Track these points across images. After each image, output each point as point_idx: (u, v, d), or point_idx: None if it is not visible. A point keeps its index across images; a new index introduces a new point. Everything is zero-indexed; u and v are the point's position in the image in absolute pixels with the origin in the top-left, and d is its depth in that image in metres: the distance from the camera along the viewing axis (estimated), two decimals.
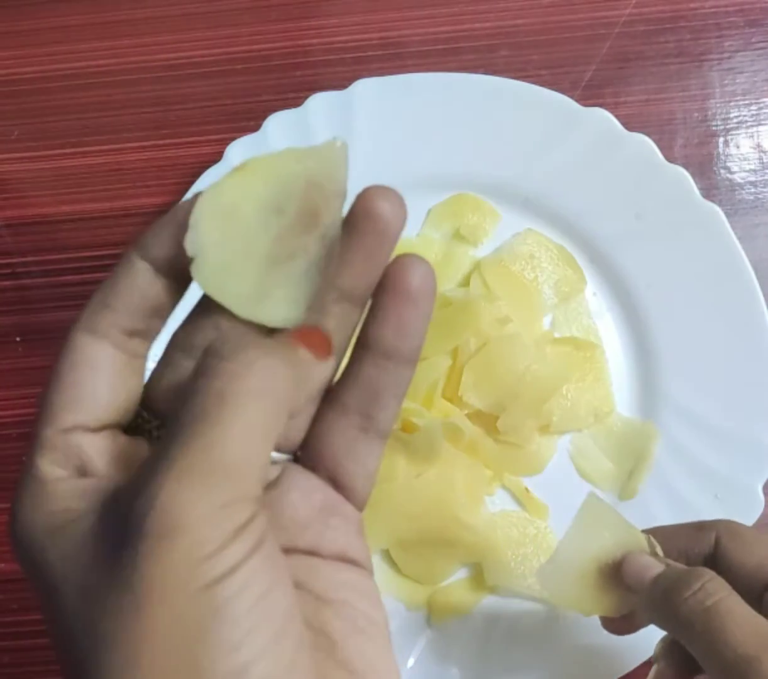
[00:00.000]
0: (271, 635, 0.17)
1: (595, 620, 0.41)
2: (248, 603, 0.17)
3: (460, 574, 0.43)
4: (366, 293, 0.22)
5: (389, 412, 0.22)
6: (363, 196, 0.21)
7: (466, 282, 0.44)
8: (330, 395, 0.23)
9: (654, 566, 0.30)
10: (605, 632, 0.41)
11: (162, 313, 0.21)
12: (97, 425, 0.20)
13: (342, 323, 0.22)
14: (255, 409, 0.18)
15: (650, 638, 0.40)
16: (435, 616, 0.42)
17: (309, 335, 0.20)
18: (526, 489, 0.43)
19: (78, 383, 0.20)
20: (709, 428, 0.42)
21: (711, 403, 0.42)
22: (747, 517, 0.40)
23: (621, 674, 0.40)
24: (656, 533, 0.32)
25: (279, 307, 0.20)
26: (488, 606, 0.42)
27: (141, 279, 0.20)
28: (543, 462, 0.43)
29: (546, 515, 0.43)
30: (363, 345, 0.22)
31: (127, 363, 0.21)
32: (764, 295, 0.42)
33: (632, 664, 0.40)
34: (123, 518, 0.17)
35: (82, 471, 0.20)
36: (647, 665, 0.40)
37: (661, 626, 0.30)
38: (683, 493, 0.41)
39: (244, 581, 0.17)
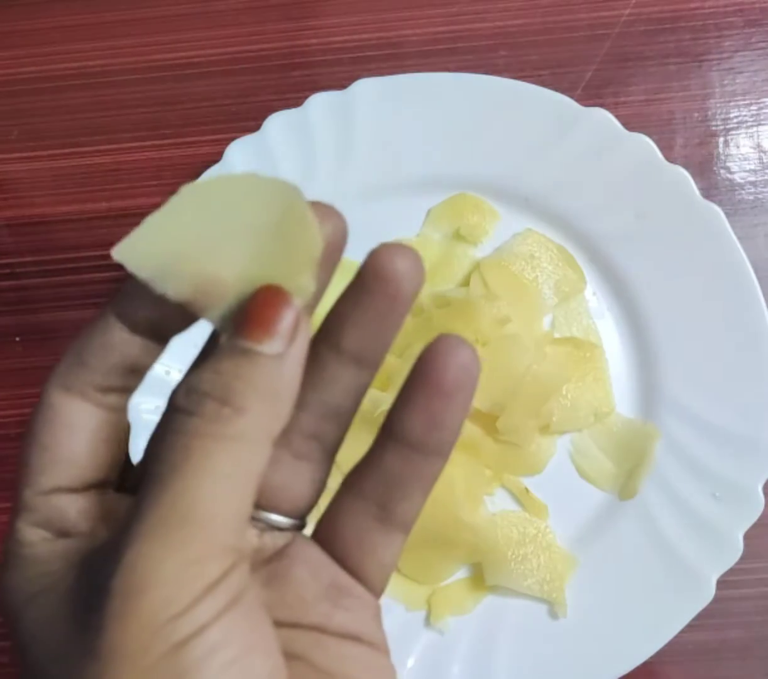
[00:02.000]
0: None
1: (595, 620, 0.41)
2: (219, 666, 0.16)
3: (460, 574, 0.43)
4: (378, 357, 0.20)
5: (412, 505, 0.21)
6: (376, 255, 0.19)
7: (466, 282, 0.44)
8: (349, 479, 0.21)
9: None
10: (605, 632, 0.41)
11: (140, 371, 0.20)
12: (79, 485, 0.19)
13: (349, 387, 0.21)
14: (225, 456, 0.17)
15: (650, 638, 0.40)
16: (435, 616, 0.42)
17: (266, 306, 0.18)
18: (526, 489, 0.43)
19: (54, 443, 0.19)
20: (709, 428, 0.42)
21: (711, 403, 0.42)
22: (747, 517, 0.40)
23: (621, 674, 0.40)
24: None
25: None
26: (488, 606, 0.42)
27: (117, 338, 0.19)
28: (543, 462, 0.43)
29: (546, 515, 0.43)
30: (388, 432, 0.20)
31: (106, 419, 0.20)
32: (764, 295, 0.42)
33: (632, 664, 0.40)
34: (95, 578, 0.17)
35: (64, 532, 0.19)
36: (647, 665, 0.40)
37: None
38: (683, 493, 0.41)
39: (215, 642, 0.16)
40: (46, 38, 0.49)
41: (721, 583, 0.40)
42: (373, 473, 0.21)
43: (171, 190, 0.46)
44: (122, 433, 0.20)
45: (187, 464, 0.17)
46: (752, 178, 0.46)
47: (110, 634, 0.16)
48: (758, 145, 0.47)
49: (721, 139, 0.47)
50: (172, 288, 0.19)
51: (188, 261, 0.19)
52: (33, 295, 0.47)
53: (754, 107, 0.47)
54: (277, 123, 0.44)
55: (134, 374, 0.20)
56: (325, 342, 0.20)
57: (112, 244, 0.50)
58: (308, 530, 0.22)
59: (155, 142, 0.48)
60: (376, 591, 0.21)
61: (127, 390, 0.20)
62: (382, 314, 0.20)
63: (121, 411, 0.20)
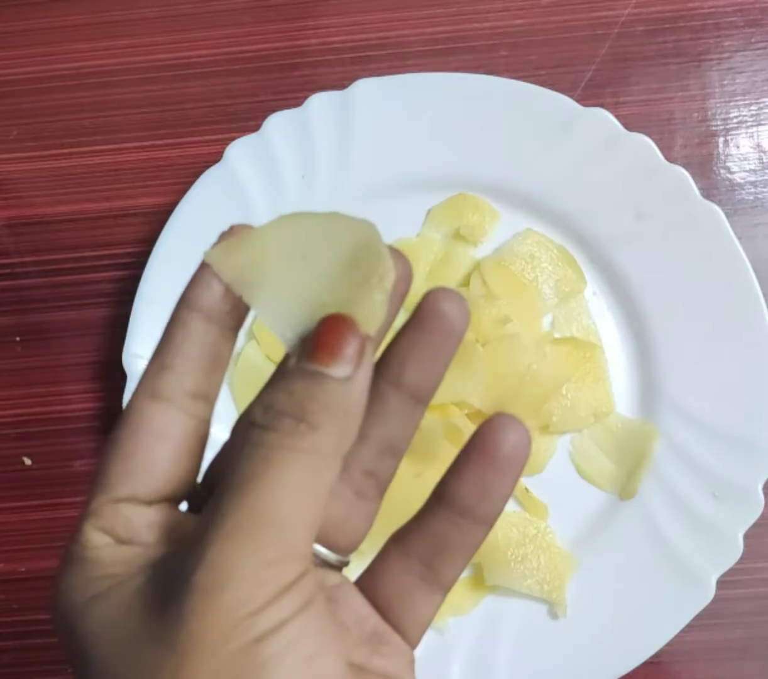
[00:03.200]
0: None
1: (595, 620, 0.41)
2: (294, 662, 0.17)
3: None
4: (431, 392, 0.22)
5: (455, 569, 0.22)
6: (429, 298, 0.21)
7: (466, 282, 0.44)
8: (398, 535, 0.22)
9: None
10: (605, 632, 0.41)
11: (221, 366, 0.21)
12: (152, 498, 0.20)
13: (406, 422, 0.22)
14: (300, 467, 0.18)
15: (650, 638, 0.40)
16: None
17: (334, 333, 0.19)
18: (526, 489, 0.43)
19: (137, 452, 0.19)
20: (709, 428, 0.42)
21: (711, 403, 0.42)
22: (747, 517, 0.40)
23: (621, 674, 0.40)
24: None
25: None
26: (488, 606, 0.42)
27: (194, 330, 0.20)
28: (543, 462, 0.43)
29: (546, 515, 0.43)
30: (439, 496, 0.22)
31: (194, 430, 0.20)
32: (764, 295, 0.42)
33: (632, 664, 0.40)
34: (173, 578, 0.18)
35: (128, 541, 0.20)
36: (647, 665, 0.40)
37: None
38: (683, 493, 0.41)
39: (291, 639, 0.17)
40: (46, 38, 0.49)
41: (721, 583, 0.40)
42: (422, 534, 0.22)
43: (171, 190, 0.46)
44: (203, 447, 0.21)
45: (266, 473, 0.18)
46: (752, 178, 0.46)
47: (191, 626, 0.17)
48: (758, 145, 0.47)
49: (721, 139, 0.47)
50: (249, 299, 0.20)
51: (269, 278, 0.20)
52: (33, 295, 0.47)
53: (754, 107, 0.47)
54: (277, 123, 0.44)
55: (217, 370, 0.21)
56: (384, 378, 0.22)
57: (112, 244, 0.50)
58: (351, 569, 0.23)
59: (155, 142, 0.48)
60: (412, 643, 0.22)
61: (212, 395, 0.21)
62: (438, 350, 0.22)
63: (206, 423, 0.21)
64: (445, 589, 0.22)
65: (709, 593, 0.40)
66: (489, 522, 0.22)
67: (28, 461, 0.46)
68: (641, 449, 0.42)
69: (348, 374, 0.19)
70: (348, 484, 0.23)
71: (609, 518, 0.42)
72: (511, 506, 0.43)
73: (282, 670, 0.17)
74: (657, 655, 0.40)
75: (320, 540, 0.22)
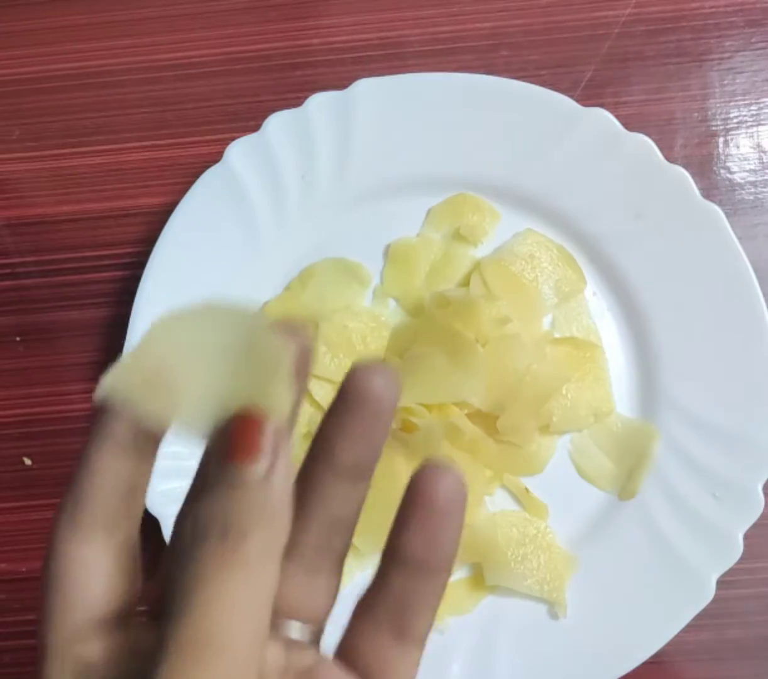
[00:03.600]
0: None
1: (595, 620, 0.41)
2: None
3: (460, 574, 0.43)
4: (371, 466, 0.22)
5: (424, 621, 0.22)
6: (353, 375, 0.21)
7: (466, 282, 0.44)
8: (362, 602, 0.22)
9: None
10: (605, 632, 0.41)
11: (140, 488, 0.21)
12: (102, 621, 0.20)
13: (350, 499, 0.22)
14: (234, 582, 0.18)
15: (650, 638, 0.40)
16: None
17: (242, 433, 0.19)
18: (526, 489, 0.43)
19: (71, 586, 0.19)
20: (709, 428, 0.42)
21: (711, 403, 0.42)
22: (747, 517, 0.40)
23: (621, 674, 0.40)
24: None
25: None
26: (488, 606, 0.42)
27: (106, 463, 0.20)
28: (543, 462, 0.43)
29: (546, 515, 0.43)
30: (390, 556, 0.22)
31: (119, 551, 0.20)
32: (764, 295, 0.42)
33: (632, 664, 0.40)
34: None
35: (94, 672, 0.20)
36: (647, 665, 0.40)
37: None
38: (683, 493, 0.41)
39: None
40: (46, 38, 0.49)
41: (721, 583, 0.40)
42: (383, 596, 0.22)
43: (171, 190, 0.46)
44: (137, 557, 0.21)
45: (202, 592, 0.18)
46: (752, 178, 0.46)
47: None
48: (758, 145, 0.47)
49: (721, 139, 0.47)
50: (153, 411, 0.20)
51: (167, 385, 0.20)
52: (33, 295, 0.47)
53: (754, 107, 0.47)
54: (277, 123, 0.44)
55: (134, 496, 0.20)
56: (318, 460, 0.22)
57: (112, 244, 0.50)
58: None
59: (155, 142, 0.48)
60: None
61: (132, 518, 0.21)
62: (367, 431, 0.21)
63: (133, 536, 0.21)
64: (421, 642, 0.22)
65: (709, 593, 0.40)
66: (445, 569, 0.21)
67: (28, 461, 0.46)
68: (641, 449, 0.42)
69: (266, 471, 0.19)
70: (299, 566, 0.22)
71: (609, 518, 0.42)
72: (511, 506, 0.43)
73: None
74: (657, 655, 0.40)
75: (286, 618, 0.22)
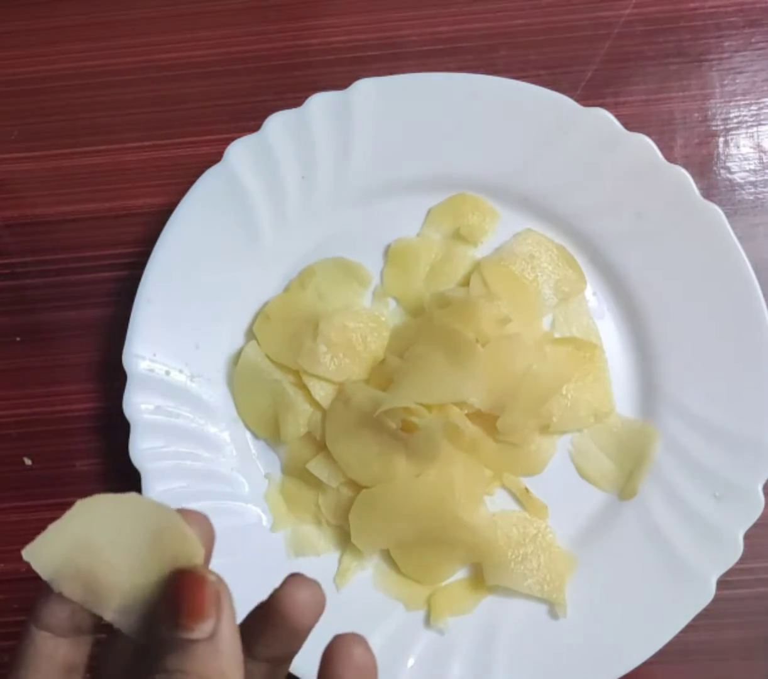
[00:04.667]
0: None
1: (595, 620, 0.41)
2: None
3: (460, 574, 0.43)
4: (289, 657, 0.23)
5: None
6: (280, 592, 0.23)
7: (466, 282, 0.44)
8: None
9: None
10: (605, 632, 0.41)
11: (77, 669, 0.22)
12: None
13: (267, 676, 0.24)
14: None
15: (650, 638, 0.40)
16: (435, 616, 0.42)
17: (190, 596, 0.20)
18: (526, 489, 0.43)
19: None
20: (709, 428, 0.42)
21: (711, 403, 0.42)
22: (747, 517, 0.40)
23: (621, 674, 0.40)
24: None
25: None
26: (488, 606, 0.42)
27: (44, 647, 0.21)
28: (543, 462, 0.43)
29: (546, 515, 0.43)
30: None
31: None
32: (764, 295, 0.42)
33: (632, 664, 0.40)
34: None
35: None
36: (647, 665, 0.40)
37: None
38: (683, 493, 0.41)
39: None
40: (46, 38, 0.49)
41: (721, 583, 0.40)
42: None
43: (171, 190, 0.46)
44: None
45: None
46: (752, 178, 0.46)
47: None
48: (758, 145, 0.47)
49: (721, 139, 0.47)
50: (68, 588, 0.22)
51: (81, 565, 0.22)
52: (33, 295, 0.47)
53: (754, 107, 0.47)
54: (277, 123, 0.44)
55: (73, 673, 0.22)
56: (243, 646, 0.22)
57: (112, 244, 0.50)
58: None
59: (155, 142, 0.48)
60: None
61: None
62: (285, 640, 0.23)
63: None
64: None
65: (709, 593, 0.40)
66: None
67: (28, 461, 0.46)
68: (641, 449, 0.42)
69: (212, 630, 0.20)
70: None
71: (609, 518, 0.42)
72: (511, 506, 0.43)
73: None
74: (657, 655, 0.40)
75: None
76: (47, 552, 0.22)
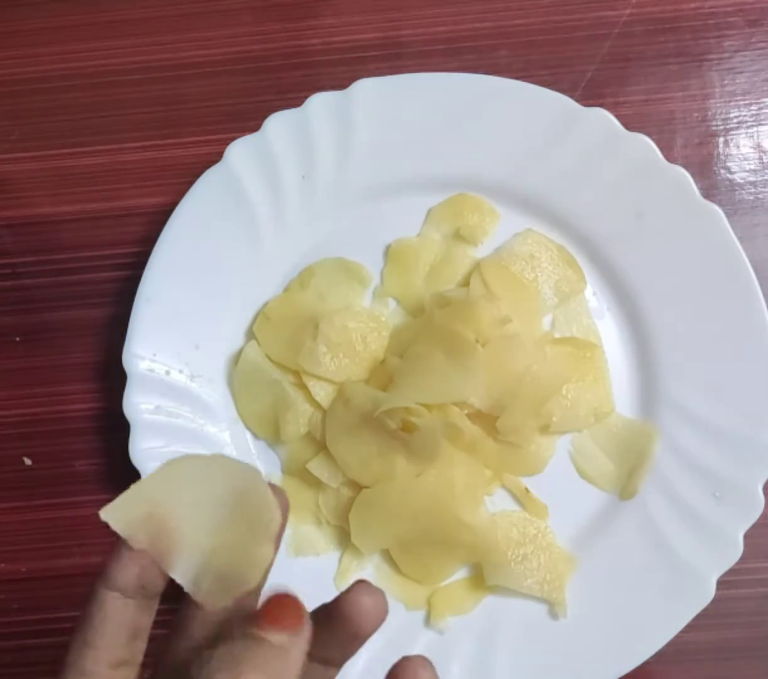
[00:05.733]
0: None
1: (595, 620, 0.41)
2: None
3: (460, 574, 0.43)
4: (342, 661, 0.24)
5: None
6: (346, 597, 0.23)
7: (466, 282, 0.44)
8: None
9: None
10: (605, 632, 0.41)
11: (142, 634, 0.23)
12: None
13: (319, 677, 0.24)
14: None
15: (650, 638, 0.40)
16: (435, 616, 0.42)
17: (278, 606, 0.21)
18: (526, 489, 0.43)
19: None
20: (709, 428, 0.42)
21: (711, 403, 0.42)
22: (747, 517, 0.40)
23: (621, 674, 0.40)
24: None
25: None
26: (488, 606, 0.42)
27: (112, 609, 0.22)
28: (543, 462, 0.43)
29: (546, 515, 0.43)
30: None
31: None
32: (764, 295, 0.42)
33: (632, 664, 0.40)
34: None
35: None
36: (647, 665, 0.40)
37: None
38: (683, 493, 0.41)
39: None
40: (46, 38, 0.49)
41: (721, 583, 0.40)
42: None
43: (171, 190, 0.46)
44: None
45: None
46: (752, 178, 0.46)
47: None
48: (758, 145, 0.47)
49: (721, 139, 0.47)
50: (143, 544, 0.22)
51: (158, 524, 0.22)
52: (34, 295, 0.47)
53: (754, 107, 0.47)
54: (277, 123, 0.44)
55: (138, 638, 0.23)
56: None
57: (112, 244, 0.50)
58: None
59: (155, 142, 0.48)
60: None
61: (136, 659, 0.23)
62: (342, 643, 0.24)
63: None
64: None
65: (709, 593, 0.40)
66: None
67: (28, 461, 0.46)
68: (641, 449, 0.42)
69: (287, 643, 0.21)
70: None
71: (609, 518, 0.42)
72: (511, 506, 0.43)
73: None
74: (657, 655, 0.40)
75: None
76: (125, 510, 0.22)
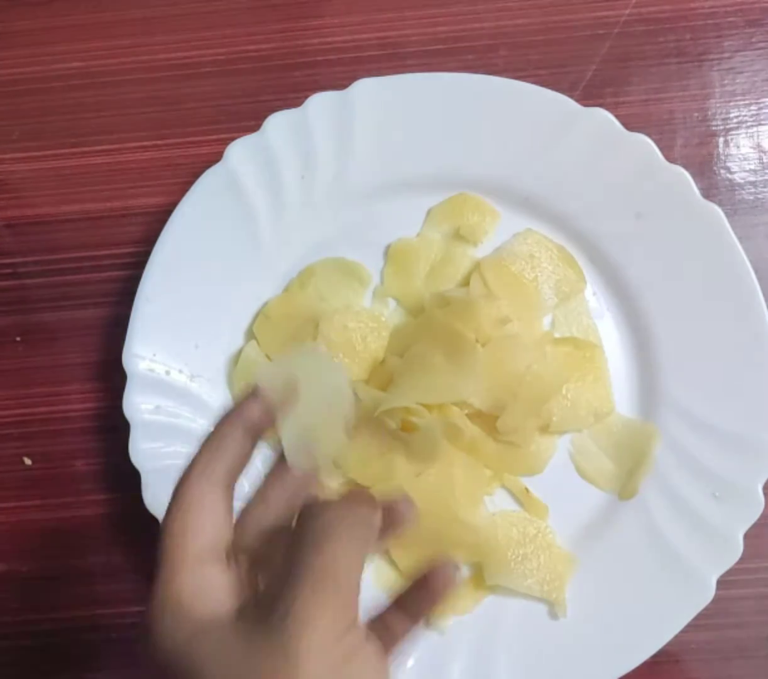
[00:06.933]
0: None
1: (595, 620, 0.41)
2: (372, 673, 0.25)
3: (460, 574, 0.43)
4: (424, 613, 0.28)
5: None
6: (435, 572, 0.28)
7: (466, 282, 0.44)
8: (396, 598, 0.29)
9: None
10: (605, 632, 0.41)
11: (247, 464, 0.28)
12: (212, 552, 0.26)
13: (400, 630, 0.28)
14: (347, 548, 0.24)
15: (650, 638, 0.40)
16: (435, 616, 0.42)
17: (359, 492, 0.28)
18: (526, 489, 0.43)
19: (198, 520, 0.26)
20: (709, 428, 0.42)
21: (711, 403, 0.42)
22: (747, 517, 0.40)
23: (621, 674, 0.40)
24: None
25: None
26: (488, 606, 0.42)
27: (236, 441, 0.28)
28: (543, 462, 0.43)
29: (546, 515, 0.43)
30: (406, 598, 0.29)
31: (226, 505, 0.27)
32: (764, 295, 0.42)
33: (632, 664, 0.40)
34: (264, 620, 0.24)
35: (210, 586, 0.26)
36: (647, 665, 0.40)
37: None
38: (683, 493, 0.41)
39: (368, 656, 0.25)
40: (46, 38, 0.49)
41: (721, 583, 0.40)
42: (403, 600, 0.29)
43: (171, 190, 0.46)
44: (232, 518, 0.28)
45: (325, 546, 0.24)
46: (752, 178, 0.46)
47: (297, 644, 0.23)
48: (758, 145, 0.47)
49: (721, 139, 0.47)
50: (276, 402, 0.29)
51: (288, 393, 0.29)
52: (34, 295, 0.47)
53: (754, 107, 0.47)
54: (277, 123, 0.44)
55: (244, 467, 0.28)
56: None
57: (112, 244, 0.50)
58: None
59: (156, 142, 0.48)
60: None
61: (234, 486, 0.28)
62: (425, 599, 0.28)
63: (232, 500, 0.28)
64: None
65: (709, 593, 0.40)
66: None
67: (28, 461, 0.46)
68: (641, 449, 0.42)
69: (368, 515, 0.26)
70: None
71: (609, 518, 0.42)
72: (511, 506, 0.43)
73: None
74: (657, 655, 0.40)
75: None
76: (273, 373, 0.29)
